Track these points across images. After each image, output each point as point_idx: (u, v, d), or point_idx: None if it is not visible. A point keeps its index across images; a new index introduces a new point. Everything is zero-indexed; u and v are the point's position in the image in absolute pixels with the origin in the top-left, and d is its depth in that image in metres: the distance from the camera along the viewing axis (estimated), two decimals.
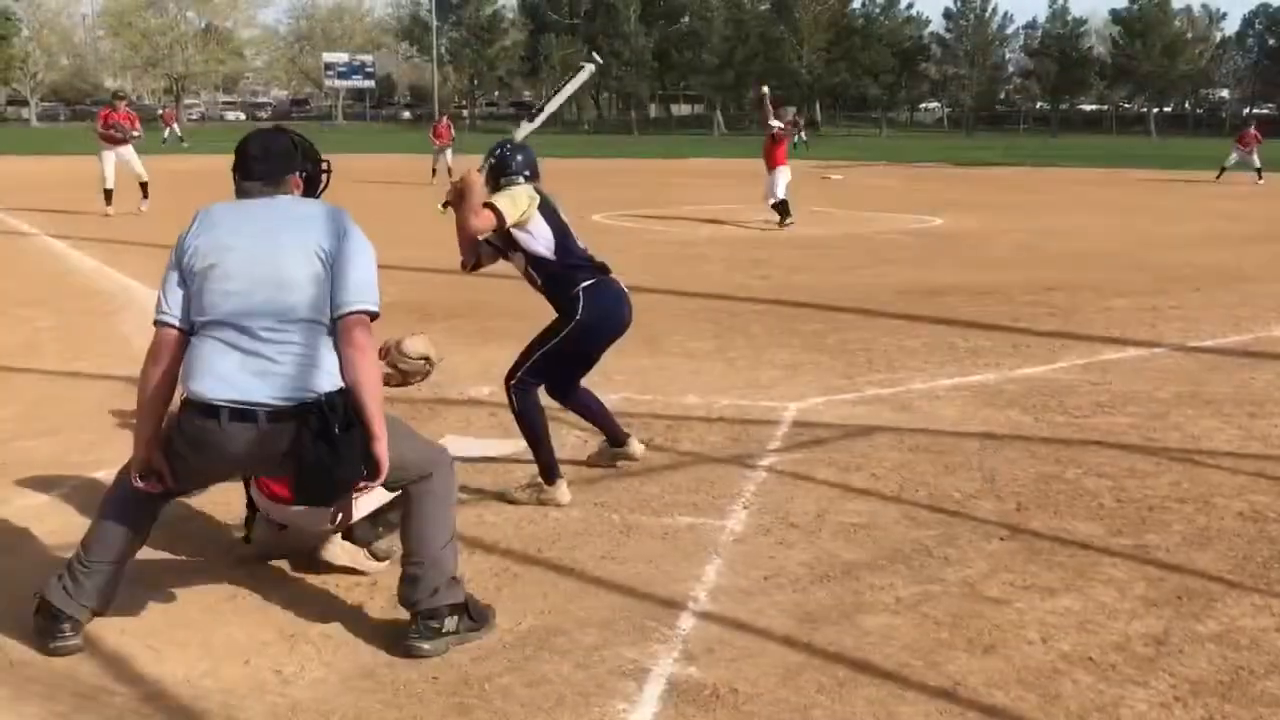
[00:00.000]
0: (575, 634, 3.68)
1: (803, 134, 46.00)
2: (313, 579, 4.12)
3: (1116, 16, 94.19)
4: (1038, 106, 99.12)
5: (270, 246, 3.39)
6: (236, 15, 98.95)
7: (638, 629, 3.72)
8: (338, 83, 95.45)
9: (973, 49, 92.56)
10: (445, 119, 28.11)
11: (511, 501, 4.95)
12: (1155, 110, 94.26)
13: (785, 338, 8.57)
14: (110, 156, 18.22)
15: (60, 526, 4.61)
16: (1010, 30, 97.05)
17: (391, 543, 4.09)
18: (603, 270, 5.11)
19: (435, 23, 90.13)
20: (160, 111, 62.64)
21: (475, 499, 4.98)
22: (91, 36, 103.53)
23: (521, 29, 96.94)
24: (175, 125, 52.27)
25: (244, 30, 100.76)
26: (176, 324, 3.47)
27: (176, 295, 3.46)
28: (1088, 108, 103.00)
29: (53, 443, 5.77)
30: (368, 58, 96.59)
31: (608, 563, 4.29)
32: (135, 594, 3.96)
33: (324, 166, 3.74)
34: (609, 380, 7.13)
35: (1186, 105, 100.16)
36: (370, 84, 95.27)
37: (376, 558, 4.21)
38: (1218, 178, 30.01)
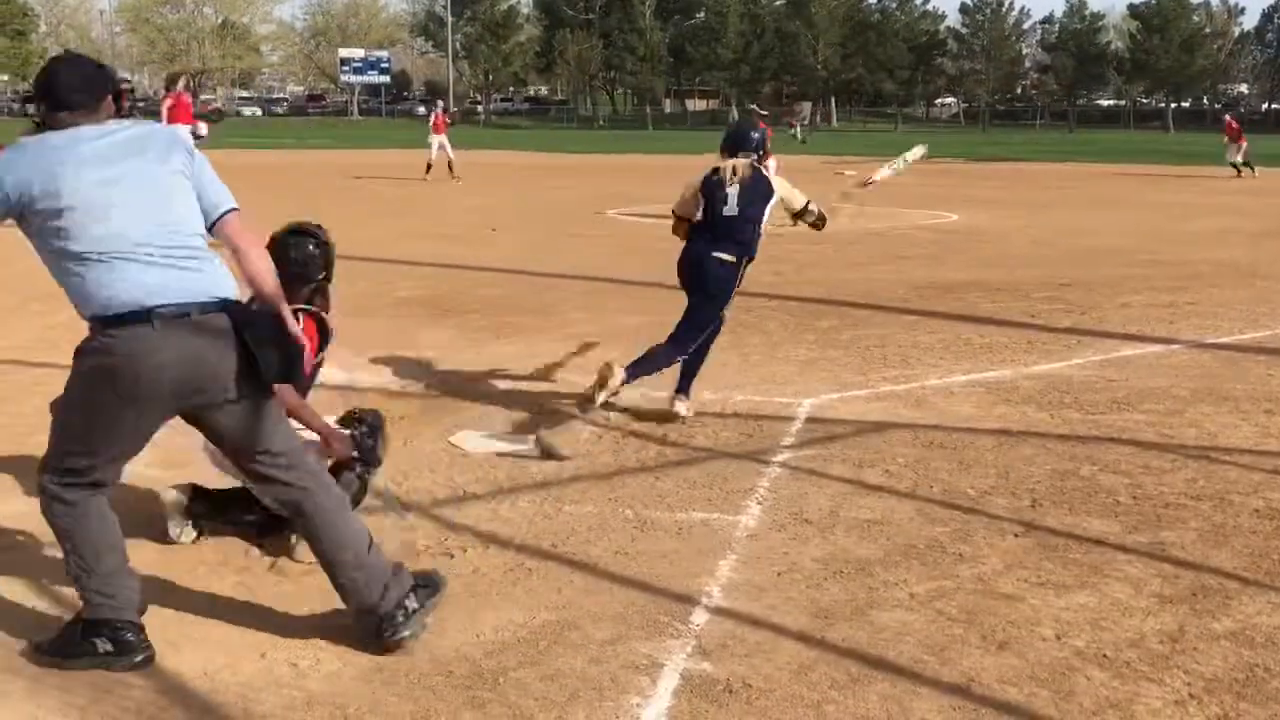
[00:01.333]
0: (589, 628, 3.70)
1: (797, 131, 45.94)
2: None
3: (1134, 11, 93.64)
4: (1055, 102, 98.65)
5: (138, 171, 3.36)
6: (253, 11, 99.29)
7: (652, 624, 3.73)
8: (353, 78, 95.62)
9: (989, 44, 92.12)
10: (441, 111, 28.56)
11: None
12: (1173, 105, 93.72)
13: (800, 334, 8.56)
14: None
15: None
16: (1027, 25, 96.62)
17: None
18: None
19: (450, 18, 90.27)
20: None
21: (489, 494, 4.99)
22: (109, 32, 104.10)
23: (536, 24, 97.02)
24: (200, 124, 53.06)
25: (260, 26, 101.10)
26: None
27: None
28: (1105, 103, 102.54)
29: None
30: (383, 53, 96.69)
31: (622, 558, 4.30)
32: (152, 587, 3.99)
33: (122, 86, 3.69)
34: None
35: (1205, 100, 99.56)
36: (386, 79, 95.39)
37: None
38: (1239, 174, 29.38)
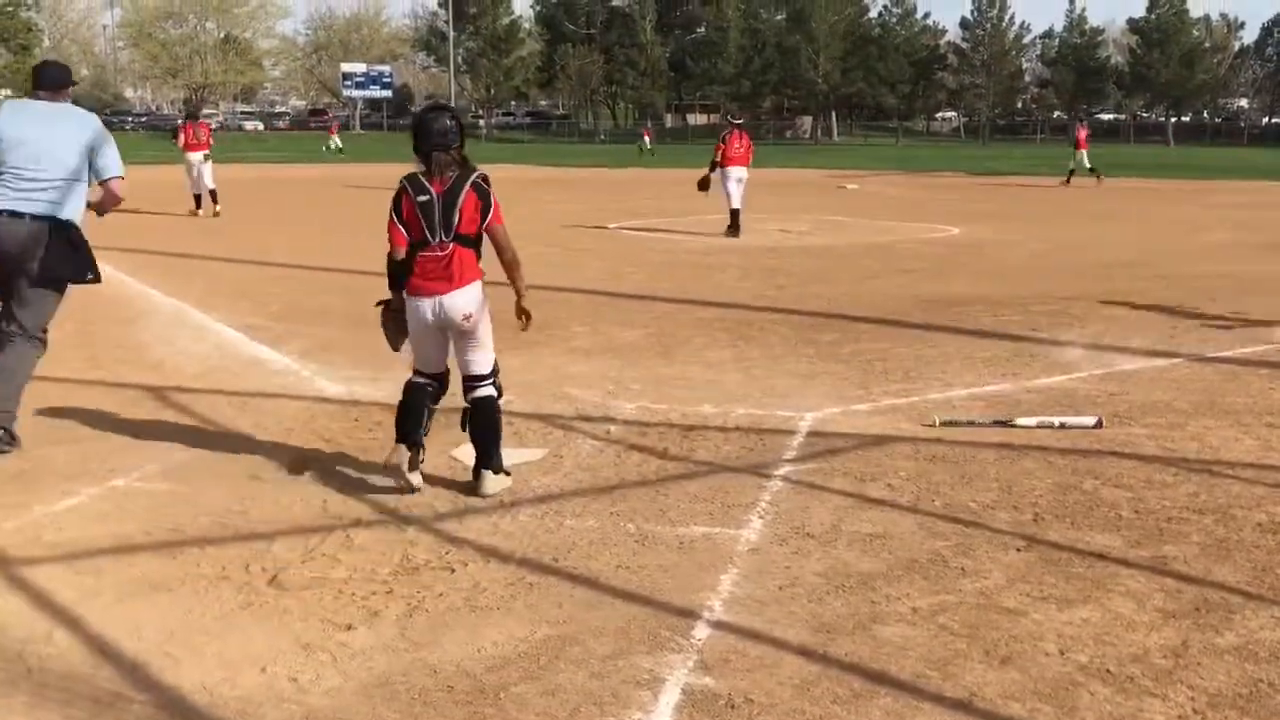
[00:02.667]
0: (591, 643, 3.69)
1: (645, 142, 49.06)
2: (329, 587, 4.13)
3: (1134, 25, 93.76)
4: (1055, 116, 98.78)
5: (55, 132, 5.84)
6: (255, 26, 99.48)
7: (653, 638, 3.72)
8: (355, 93, 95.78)
9: (989, 58, 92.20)
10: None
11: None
12: (1173, 119, 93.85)
13: (801, 347, 8.56)
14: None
15: (79, 534, 4.64)
16: (1027, 40, 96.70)
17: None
18: None
19: (452, 33, 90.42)
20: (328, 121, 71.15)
21: (490, 508, 4.99)
22: (112, 47, 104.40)
23: (538, 39, 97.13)
24: (336, 136, 59.26)
25: (263, 41, 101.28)
26: None
27: None
28: (1105, 117, 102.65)
29: (72, 451, 5.80)
30: (385, 68, 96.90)
31: (623, 572, 4.29)
32: (152, 601, 3.99)
33: (75, 82, 6.38)
34: (625, 389, 7.15)
35: (1205, 114, 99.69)
36: (388, 94, 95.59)
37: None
38: (1068, 182, 30.87)
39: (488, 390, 5.19)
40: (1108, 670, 3.52)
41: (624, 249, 15.68)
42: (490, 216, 5.07)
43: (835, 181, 32.79)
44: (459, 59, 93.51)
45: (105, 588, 4.11)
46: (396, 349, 5.38)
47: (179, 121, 22.94)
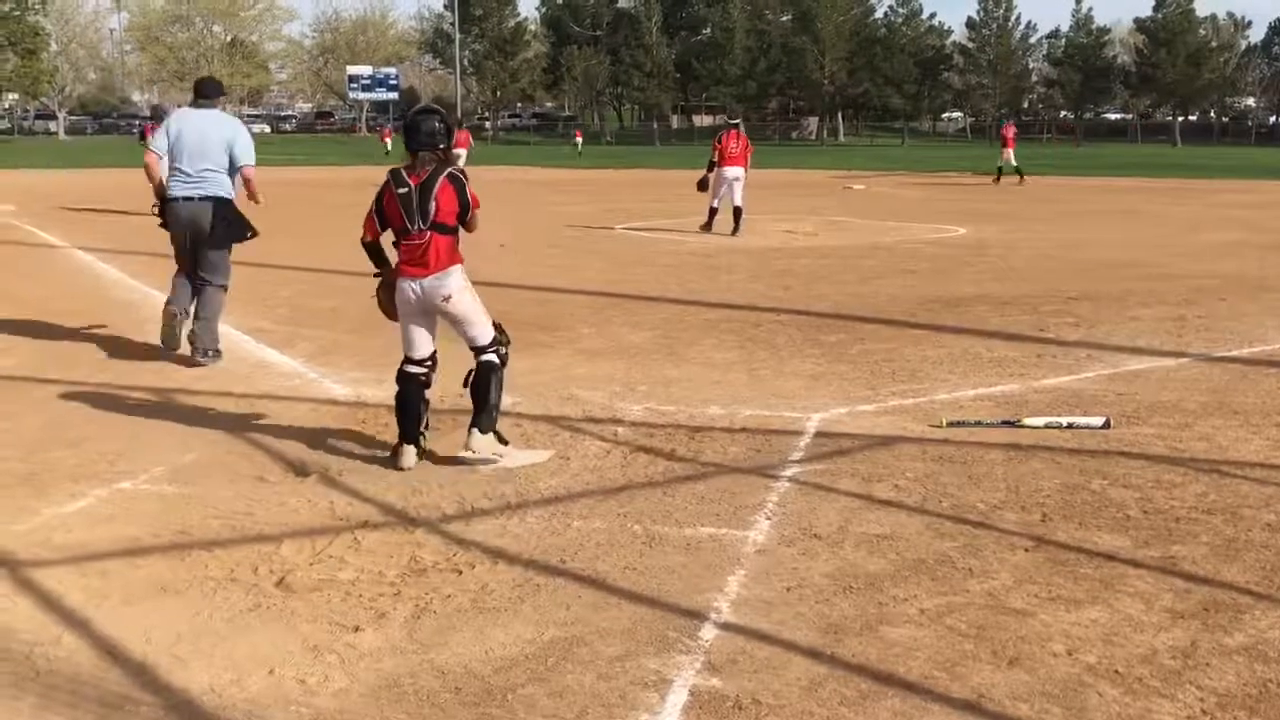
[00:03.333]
0: (598, 645, 3.68)
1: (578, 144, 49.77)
2: (336, 589, 4.14)
3: (1140, 25, 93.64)
4: (1061, 115, 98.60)
5: (207, 132, 7.99)
6: (262, 29, 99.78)
7: (660, 640, 3.72)
8: (361, 95, 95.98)
9: (995, 58, 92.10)
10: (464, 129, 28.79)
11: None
12: (1180, 119, 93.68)
13: (808, 348, 8.55)
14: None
15: (87, 536, 4.65)
16: (1033, 39, 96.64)
17: None
18: None
19: (458, 35, 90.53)
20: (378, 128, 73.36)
21: (498, 510, 4.99)
22: (119, 51, 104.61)
23: (544, 41, 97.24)
24: (390, 141, 59.95)
25: (269, 44, 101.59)
26: (160, 153, 8.07)
27: (162, 142, 8.06)
28: (1112, 116, 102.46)
29: (80, 453, 5.82)
30: (391, 70, 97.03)
31: (631, 573, 4.29)
32: (160, 603, 3.99)
33: (224, 92, 8.75)
34: (632, 390, 7.15)
35: (1212, 114, 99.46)
36: (394, 96, 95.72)
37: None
38: (997, 181, 31.59)
39: (489, 357, 5.64)
40: (1116, 671, 3.51)
41: (630, 250, 15.68)
42: (471, 210, 5.60)
43: (841, 182, 32.77)
44: (465, 61, 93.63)
45: (113, 590, 4.12)
46: (394, 319, 5.78)
47: (141, 124, 22.51)
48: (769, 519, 4.87)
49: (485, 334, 5.61)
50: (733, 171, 17.20)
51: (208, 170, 7.87)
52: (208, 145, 7.88)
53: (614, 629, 3.80)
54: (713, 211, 17.40)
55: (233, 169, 7.98)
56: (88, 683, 3.43)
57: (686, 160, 42.94)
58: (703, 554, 4.48)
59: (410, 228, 5.47)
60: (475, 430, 5.53)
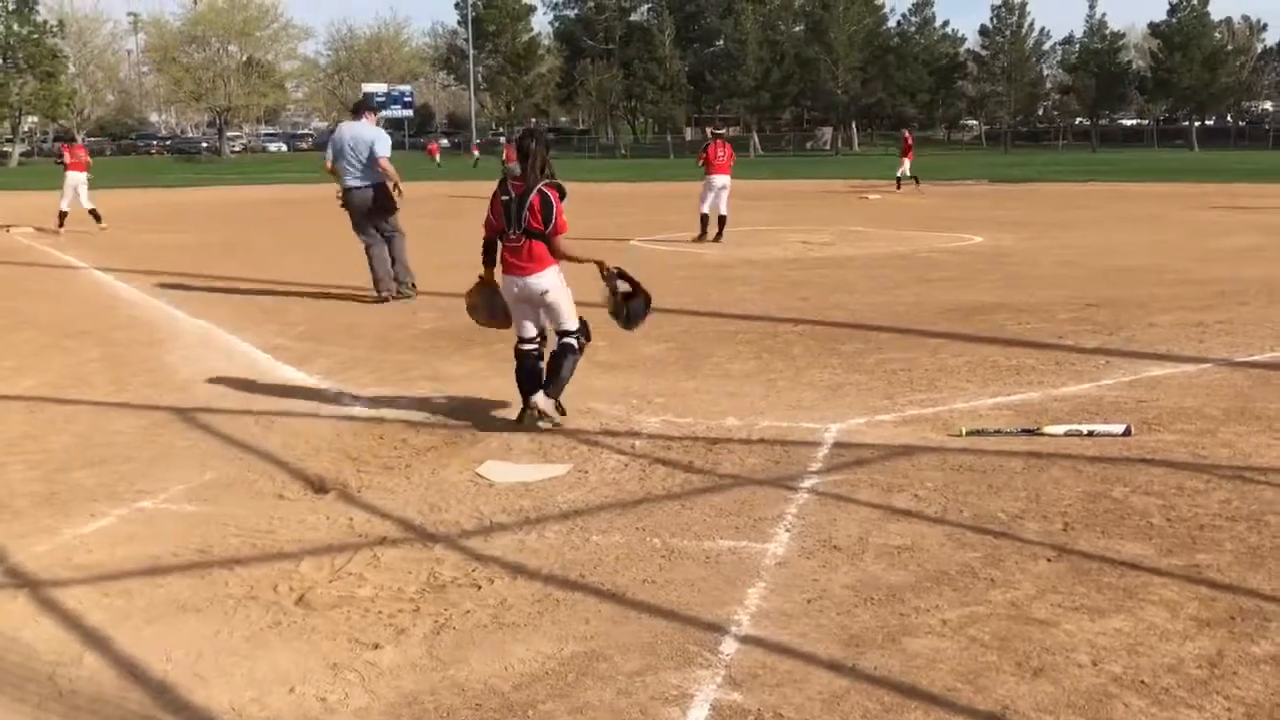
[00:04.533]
0: (618, 659, 3.67)
1: (475, 156, 50.90)
2: (356, 606, 4.14)
3: (1155, 30, 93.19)
4: (1077, 122, 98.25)
5: (357, 136, 11.74)
6: (277, 49, 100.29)
7: (681, 654, 3.70)
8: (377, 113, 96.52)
9: (1009, 66, 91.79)
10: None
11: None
12: (1196, 123, 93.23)
13: (825, 358, 8.53)
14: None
15: (107, 557, 4.67)
16: (1047, 46, 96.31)
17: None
18: None
19: (472, 51, 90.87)
20: (425, 144, 76.43)
21: (516, 525, 4.98)
22: (136, 72, 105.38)
23: (557, 55, 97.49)
24: (438, 155, 66.46)
25: (285, 63, 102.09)
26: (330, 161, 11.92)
27: (330, 151, 11.91)
28: (1128, 122, 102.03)
29: (100, 473, 5.84)
30: (406, 87, 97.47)
31: (650, 587, 4.28)
32: (181, 622, 4.00)
33: (373, 107, 14.26)
34: (649, 403, 7.14)
35: (1229, 118, 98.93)
36: (409, 113, 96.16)
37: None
38: (898, 188, 32.02)
39: (570, 340, 6.59)
40: (1142, 681, 3.48)
41: (646, 263, 15.68)
42: (553, 226, 6.36)
43: (857, 192, 32.72)
44: (479, 77, 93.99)
45: (134, 609, 4.13)
46: (479, 323, 6.99)
47: (56, 145, 23.63)
48: (788, 531, 4.85)
49: (572, 323, 6.56)
50: (720, 180, 18.49)
51: (360, 166, 11.62)
52: (359, 147, 11.58)
53: (634, 643, 3.78)
54: (704, 219, 18.47)
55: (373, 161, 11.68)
56: (110, 702, 3.44)
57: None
58: (722, 567, 4.46)
59: (509, 230, 6.40)
60: (544, 393, 6.45)
